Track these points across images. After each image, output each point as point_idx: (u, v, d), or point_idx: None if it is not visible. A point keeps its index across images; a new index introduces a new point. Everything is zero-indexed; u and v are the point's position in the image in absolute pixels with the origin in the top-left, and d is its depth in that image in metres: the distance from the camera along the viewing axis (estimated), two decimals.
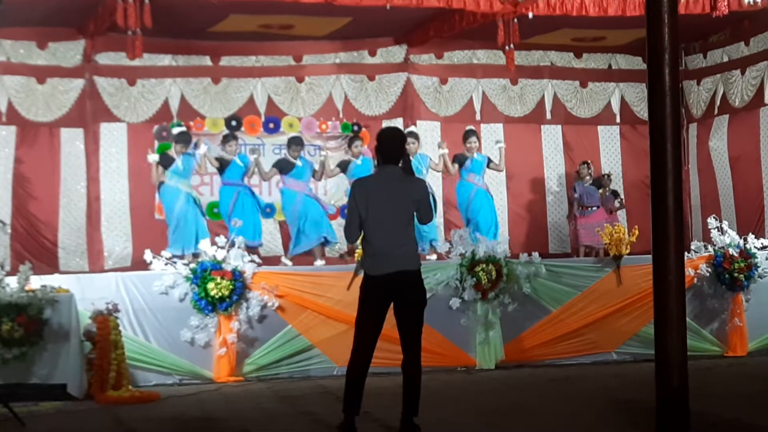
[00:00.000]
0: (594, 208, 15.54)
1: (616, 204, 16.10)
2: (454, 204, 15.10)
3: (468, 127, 14.59)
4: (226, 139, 13.53)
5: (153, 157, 13.14)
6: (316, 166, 13.86)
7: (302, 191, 13.51)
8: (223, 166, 13.34)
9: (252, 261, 11.09)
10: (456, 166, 14.12)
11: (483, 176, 14.19)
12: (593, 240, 14.79)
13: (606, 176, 16.22)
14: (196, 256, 11.77)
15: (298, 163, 13.54)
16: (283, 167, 13.62)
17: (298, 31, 15.51)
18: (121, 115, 15.52)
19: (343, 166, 13.85)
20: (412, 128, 14.76)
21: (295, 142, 13.73)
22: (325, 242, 13.36)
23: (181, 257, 12.06)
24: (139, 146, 14.95)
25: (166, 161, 13.03)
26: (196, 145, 13.33)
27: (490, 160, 14.30)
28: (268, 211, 14.93)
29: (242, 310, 10.91)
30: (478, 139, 14.27)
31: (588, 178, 15.76)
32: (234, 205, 13.27)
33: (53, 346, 9.65)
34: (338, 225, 15.04)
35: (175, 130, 13.55)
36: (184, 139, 13.26)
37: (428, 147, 16.31)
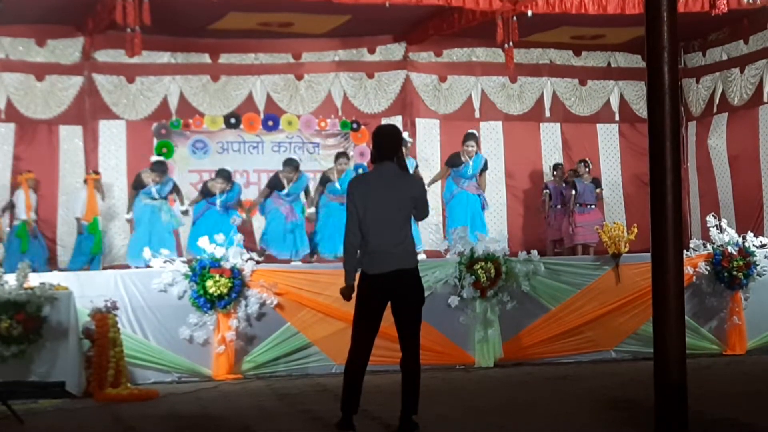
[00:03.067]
0: (592, 206, 15.55)
1: (597, 191, 16.02)
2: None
3: (470, 131, 14.59)
4: (156, 168, 13.75)
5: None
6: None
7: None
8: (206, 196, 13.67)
9: (251, 259, 11.09)
10: (446, 166, 14.14)
11: (472, 180, 14.16)
12: (593, 238, 14.80)
13: (582, 163, 16.02)
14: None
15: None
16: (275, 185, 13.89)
17: (297, 28, 15.52)
18: (120, 113, 15.55)
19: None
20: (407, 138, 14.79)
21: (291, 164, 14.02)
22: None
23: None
24: (137, 144, 14.97)
25: (138, 184, 13.42)
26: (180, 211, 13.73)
27: (486, 165, 14.29)
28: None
29: (241, 307, 10.90)
30: (477, 143, 14.24)
31: (586, 176, 15.77)
32: (201, 216, 13.50)
33: (52, 343, 9.64)
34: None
35: (153, 158, 13.81)
36: (161, 169, 13.52)
37: (427, 144, 16.36)
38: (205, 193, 13.77)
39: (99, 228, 14.46)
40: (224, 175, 13.68)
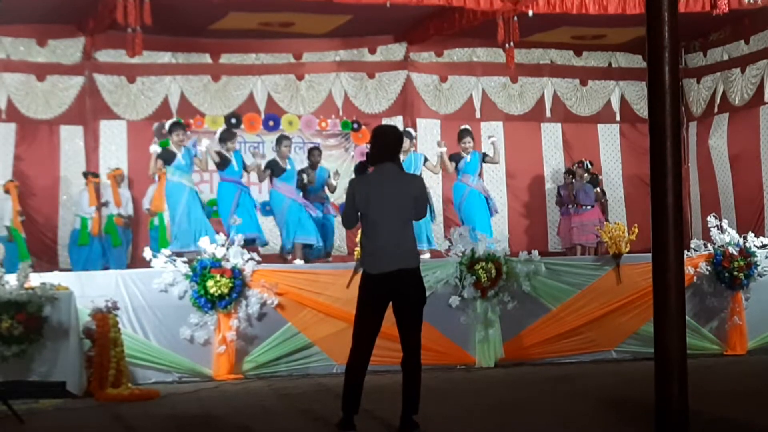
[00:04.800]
0: (588, 207, 15.54)
1: (597, 190, 16.04)
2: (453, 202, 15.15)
3: (463, 126, 14.45)
4: (227, 136, 13.25)
5: (154, 148, 13.03)
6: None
7: (291, 196, 13.48)
8: (223, 162, 13.22)
9: (252, 259, 11.07)
10: (453, 164, 14.04)
11: (477, 176, 14.01)
12: (587, 238, 14.81)
13: (578, 164, 16.00)
14: (197, 253, 11.71)
15: (288, 166, 13.54)
16: (274, 169, 13.53)
17: (298, 28, 15.53)
18: (120, 113, 15.57)
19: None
20: (409, 129, 14.67)
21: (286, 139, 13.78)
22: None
23: (181, 255, 12.10)
24: (138, 143, 14.98)
25: (167, 156, 12.77)
26: (196, 143, 13.25)
27: (485, 155, 14.18)
28: (267, 208, 14.96)
29: (242, 307, 10.89)
30: (473, 138, 14.15)
31: (586, 175, 15.77)
32: (237, 203, 13.19)
33: (53, 343, 9.64)
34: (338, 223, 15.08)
35: (168, 122, 13.32)
36: (180, 127, 12.96)
37: (428, 145, 16.37)
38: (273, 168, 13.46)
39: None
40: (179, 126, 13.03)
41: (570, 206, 15.59)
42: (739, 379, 10.41)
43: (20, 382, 9.45)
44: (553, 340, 11.85)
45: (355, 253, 11.24)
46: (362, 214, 7.08)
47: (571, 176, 15.91)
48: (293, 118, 16.22)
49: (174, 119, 13.39)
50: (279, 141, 13.70)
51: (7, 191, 14.56)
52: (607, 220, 15.49)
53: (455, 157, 14.06)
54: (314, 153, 14.04)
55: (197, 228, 12.65)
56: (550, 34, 16.33)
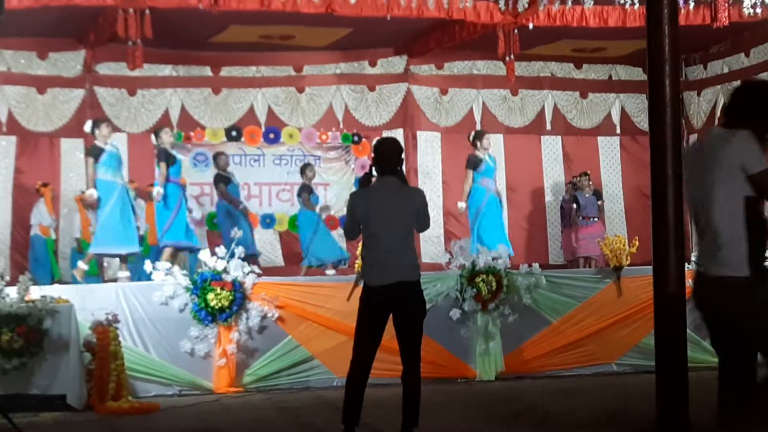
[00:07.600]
0: (594, 219, 15.53)
1: (598, 203, 16.05)
2: (455, 214, 15.15)
3: (478, 128, 14.45)
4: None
5: (87, 125, 12.52)
6: None
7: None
8: (168, 162, 12.98)
9: (252, 272, 11.06)
10: (470, 171, 13.93)
11: (495, 181, 13.93)
12: (593, 251, 14.79)
13: (585, 176, 16.03)
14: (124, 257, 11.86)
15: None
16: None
17: (298, 41, 15.54)
18: (121, 125, 15.55)
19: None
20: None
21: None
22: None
23: (113, 256, 12.40)
24: (139, 156, 14.97)
25: (96, 152, 12.17)
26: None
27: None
28: (268, 221, 14.99)
29: (242, 320, 10.88)
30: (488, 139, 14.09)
31: (588, 188, 15.77)
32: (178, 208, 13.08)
33: (53, 356, 9.63)
34: (338, 235, 15.06)
35: (90, 121, 12.71)
36: (106, 121, 12.63)
37: (428, 157, 16.37)
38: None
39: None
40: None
41: (578, 218, 15.59)
42: None
43: (20, 395, 9.46)
44: (554, 353, 11.83)
45: (356, 265, 11.24)
46: (363, 226, 7.09)
47: (574, 188, 15.91)
48: (294, 130, 16.23)
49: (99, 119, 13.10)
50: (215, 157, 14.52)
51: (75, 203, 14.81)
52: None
53: (474, 160, 13.74)
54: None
55: (127, 229, 12.27)
56: (551, 47, 16.34)
